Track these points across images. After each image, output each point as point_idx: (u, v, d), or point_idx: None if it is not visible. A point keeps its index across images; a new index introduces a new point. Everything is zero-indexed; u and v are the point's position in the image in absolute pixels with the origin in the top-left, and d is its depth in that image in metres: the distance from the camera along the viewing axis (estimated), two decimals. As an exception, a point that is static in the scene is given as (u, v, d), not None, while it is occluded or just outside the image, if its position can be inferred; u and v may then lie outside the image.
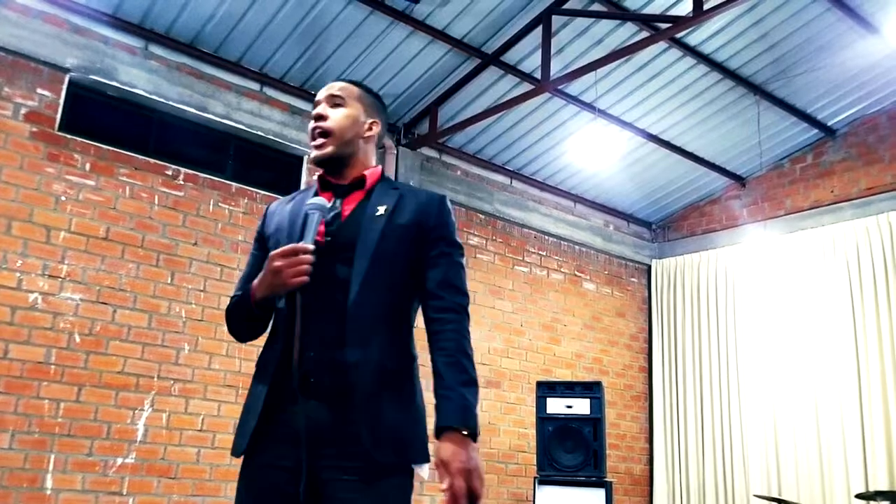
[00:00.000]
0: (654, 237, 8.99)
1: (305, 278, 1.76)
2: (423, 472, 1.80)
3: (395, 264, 1.88)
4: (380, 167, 2.07)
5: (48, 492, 4.77)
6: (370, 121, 2.02)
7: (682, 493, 7.88)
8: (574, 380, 7.24)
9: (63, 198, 5.14)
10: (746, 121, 7.33)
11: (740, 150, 7.87)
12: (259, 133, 6.12)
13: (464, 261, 1.95)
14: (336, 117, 1.98)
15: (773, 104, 7.20)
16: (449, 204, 1.99)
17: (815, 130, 7.66)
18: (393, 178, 6.68)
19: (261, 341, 2.03)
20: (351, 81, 2.07)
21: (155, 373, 5.28)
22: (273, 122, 6.20)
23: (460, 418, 1.73)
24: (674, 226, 8.90)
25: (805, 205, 7.79)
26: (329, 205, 1.89)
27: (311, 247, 1.78)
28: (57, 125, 5.23)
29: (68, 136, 5.26)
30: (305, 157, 6.41)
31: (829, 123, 7.63)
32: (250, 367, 6.23)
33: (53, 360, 4.92)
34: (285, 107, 6.30)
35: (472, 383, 1.79)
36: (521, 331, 7.53)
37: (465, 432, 1.72)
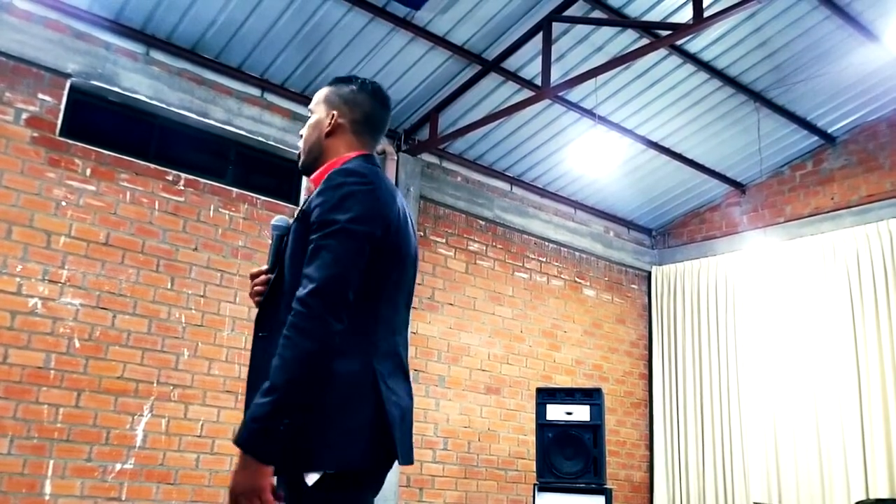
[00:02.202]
0: (655, 244, 8.99)
1: (258, 298, 1.90)
2: (309, 479, 1.64)
3: (296, 267, 1.74)
4: (339, 158, 1.91)
5: (46, 497, 4.75)
6: (331, 114, 1.94)
7: (682, 499, 7.86)
8: (574, 386, 7.23)
9: (64, 203, 5.14)
10: (746, 128, 7.34)
11: (740, 157, 7.88)
12: (260, 139, 6.13)
13: (334, 239, 1.67)
14: (304, 131, 2.00)
15: (773, 111, 7.21)
16: (338, 177, 1.76)
17: (815, 137, 7.67)
18: (393, 182, 6.69)
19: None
20: (328, 85, 2.04)
21: (154, 378, 5.27)
22: (274, 128, 6.21)
23: (238, 435, 1.60)
24: (674, 232, 8.90)
25: (805, 212, 7.79)
26: (290, 222, 1.91)
27: (263, 268, 1.93)
28: (58, 130, 5.23)
29: (69, 142, 5.26)
30: (306, 163, 6.41)
31: (829, 131, 7.64)
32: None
33: (53, 365, 4.91)
34: (286, 113, 6.31)
35: (273, 391, 1.56)
36: (521, 337, 7.53)
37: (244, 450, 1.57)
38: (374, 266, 1.72)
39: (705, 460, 7.77)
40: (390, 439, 1.71)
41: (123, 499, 5.01)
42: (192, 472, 5.35)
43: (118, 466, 5.04)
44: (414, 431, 6.17)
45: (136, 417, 5.17)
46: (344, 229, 1.67)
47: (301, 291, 1.63)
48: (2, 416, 4.68)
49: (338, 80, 2.02)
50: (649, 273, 8.78)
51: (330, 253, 1.64)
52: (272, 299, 1.82)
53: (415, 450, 6.97)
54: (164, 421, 5.28)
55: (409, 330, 5.47)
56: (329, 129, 1.92)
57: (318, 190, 1.78)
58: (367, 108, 1.95)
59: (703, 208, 8.65)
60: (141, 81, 5.56)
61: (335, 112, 1.93)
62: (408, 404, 1.82)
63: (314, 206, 1.74)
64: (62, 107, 5.28)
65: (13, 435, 4.66)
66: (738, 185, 8.31)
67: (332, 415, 1.64)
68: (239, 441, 1.58)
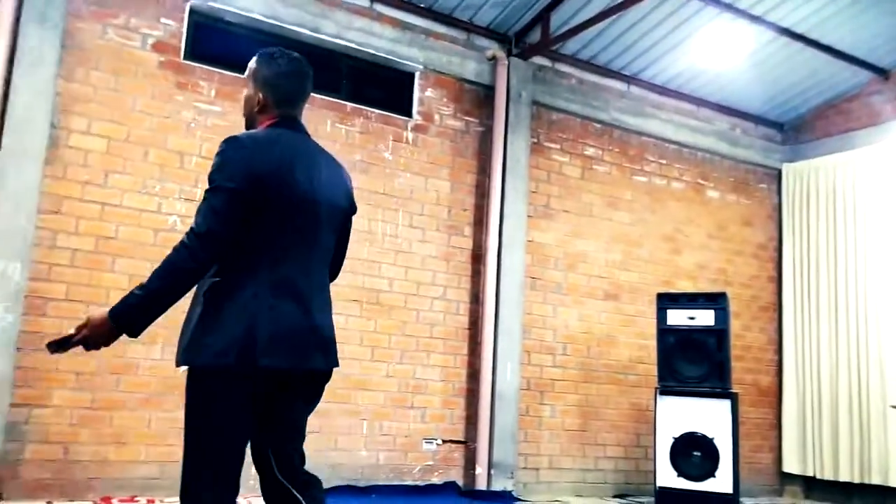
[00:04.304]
0: (785, 139, 8.46)
1: None
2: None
3: None
4: (259, 126, 2.40)
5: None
6: (258, 95, 2.40)
7: (813, 404, 7.65)
8: (697, 291, 7.07)
9: (192, 124, 5.40)
10: (891, 7, 6.64)
11: (883, 40, 7.17)
12: (371, 51, 6.14)
13: (210, 193, 2.16)
14: (242, 101, 2.52)
15: (926, -15, 6.49)
16: (221, 145, 2.23)
17: (976, 12, 6.86)
18: (504, 91, 6.58)
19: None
20: (255, 61, 2.45)
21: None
22: (384, 40, 6.20)
23: (113, 308, 2.13)
24: (807, 126, 8.32)
25: (960, 97, 7.07)
26: None
27: None
28: (182, 54, 5.45)
29: (193, 65, 5.47)
30: (417, 74, 6.40)
31: None
32: (375, 283, 6.42)
33: (194, 278, 5.27)
34: (396, 23, 6.27)
35: (141, 287, 2.11)
36: (640, 242, 7.38)
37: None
38: (254, 214, 2.16)
39: (839, 364, 7.48)
40: (253, 346, 2.11)
41: (265, 399, 5.41)
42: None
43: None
44: (532, 337, 6.22)
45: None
46: (217, 187, 2.16)
47: (189, 229, 2.14)
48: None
49: (263, 59, 2.42)
50: (779, 171, 8.31)
51: (205, 204, 2.15)
52: None
53: (533, 354, 7.12)
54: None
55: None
56: (258, 107, 2.40)
57: None
58: (285, 87, 2.41)
59: (840, 99, 8.01)
60: (255, 0, 5.65)
61: (261, 94, 2.39)
62: (295, 321, 2.22)
63: None
64: (184, 30, 5.47)
65: (163, 342, 5.07)
66: (881, 72, 7.61)
67: (213, 326, 2.12)
68: (111, 311, 2.11)
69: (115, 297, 2.15)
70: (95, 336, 2.12)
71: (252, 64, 2.44)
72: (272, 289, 2.18)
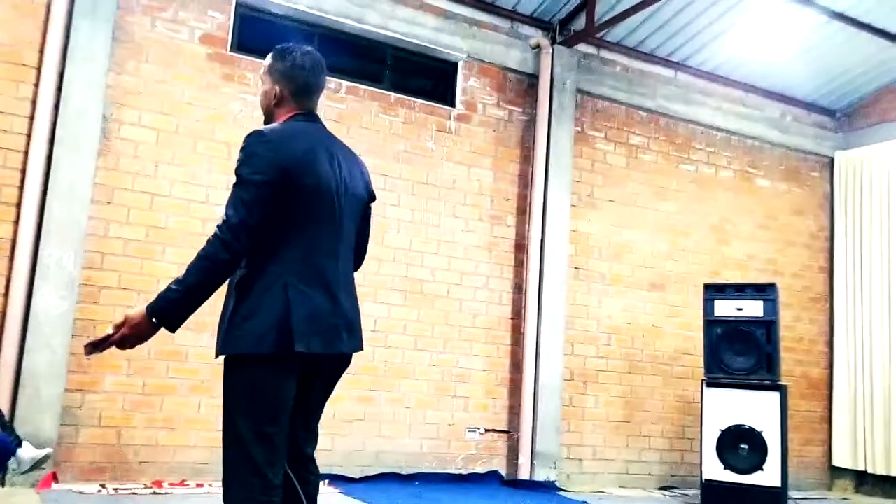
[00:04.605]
0: (839, 126, 8.22)
1: None
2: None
3: None
4: (278, 120, 2.45)
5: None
6: (275, 88, 2.45)
7: (864, 397, 7.46)
8: (745, 282, 6.93)
9: (239, 116, 5.48)
10: (955, -13, 6.40)
11: (946, 22, 6.92)
12: (415, 40, 6.14)
13: (239, 187, 2.20)
14: (259, 96, 2.54)
15: None
16: (246, 140, 2.27)
17: None
18: (548, 79, 6.52)
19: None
20: (271, 56, 2.50)
21: (330, 278, 5.62)
22: (427, 29, 6.19)
23: (150, 305, 2.18)
24: (862, 113, 8.08)
25: None
26: None
27: None
28: (228, 46, 5.52)
29: (240, 56, 5.55)
30: (461, 63, 6.38)
31: None
32: (418, 273, 6.46)
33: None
34: (440, 12, 6.26)
35: (177, 281, 2.17)
36: (687, 232, 7.26)
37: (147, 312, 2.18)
38: (281, 205, 2.23)
39: (892, 356, 7.27)
40: (289, 333, 2.17)
41: (310, 387, 5.48)
42: (369, 363, 5.74)
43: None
44: (576, 327, 6.19)
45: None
46: (245, 180, 2.20)
47: (220, 220, 2.19)
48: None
49: (278, 54, 2.48)
50: (832, 159, 8.09)
51: (234, 196, 2.20)
52: None
53: (576, 345, 7.06)
54: (340, 317, 5.66)
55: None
56: (275, 100, 2.47)
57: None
58: (301, 79, 2.47)
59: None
60: (299, -8, 5.70)
61: (278, 87, 2.45)
62: (324, 308, 2.28)
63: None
64: (231, 22, 5.55)
65: (212, 330, 5.15)
66: (942, 55, 7.34)
67: (248, 315, 2.20)
68: (149, 308, 2.16)
69: (165, 286, 2.19)
70: (134, 333, 2.16)
71: (268, 60, 2.50)
72: (302, 277, 2.24)
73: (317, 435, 2.47)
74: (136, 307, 2.22)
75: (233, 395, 2.23)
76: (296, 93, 2.46)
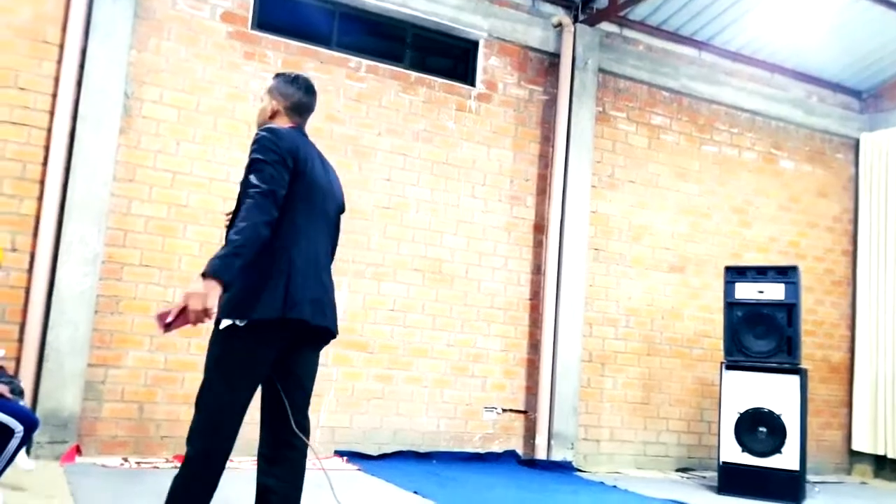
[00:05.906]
0: (865, 108, 8.08)
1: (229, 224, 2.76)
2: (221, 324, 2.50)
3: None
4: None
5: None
6: (272, 104, 2.83)
7: (886, 381, 7.39)
8: (767, 264, 6.87)
9: (260, 94, 5.46)
10: None
11: (979, 1, 6.75)
12: (435, 19, 6.10)
13: (259, 167, 2.50)
14: (257, 112, 2.91)
15: None
16: (258, 133, 2.59)
17: None
18: (570, 58, 6.45)
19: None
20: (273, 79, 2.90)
21: (350, 258, 5.65)
22: (448, 7, 6.14)
23: (206, 266, 2.38)
24: (889, 94, 7.93)
25: None
26: None
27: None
28: (249, 24, 5.51)
29: (260, 35, 5.54)
30: (481, 42, 6.33)
31: None
32: (437, 253, 6.44)
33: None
34: (460, -10, 6.20)
35: (224, 247, 2.40)
36: (709, 214, 7.20)
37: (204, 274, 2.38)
38: (290, 186, 2.55)
39: (916, 342, 7.20)
40: (291, 303, 2.49)
41: (329, 364, 5.53)
42: (388, 342, 5.77)
43: (322, 336, 5.54)
44: (595, 308, 6.17)
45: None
46: (263, 160, 2.51)
47: (249, 189, 2.48)
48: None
49: (279, 78, 2.91)
50: (857, 141, 7.96)
51: (256, 173, 2.49)
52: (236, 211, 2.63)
53: (595, 326, 7.04)
54: (360, 297, 5.69)
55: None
56: (271, 113, 2.83)
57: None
58: (295, 98, 2.84)
59: (927, 64, 7.60)
60: (319, -31, 5.67)
61: (274, 102, 2.83)
62: (317, 289, 2.61)
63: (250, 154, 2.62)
64: (252, 1, 5.53)
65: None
66: (975, 35, 7.17)
67: (256, 288, 2.49)
68: (207, 269, 2.35)
69: (187, 263, 2.26)
70: (197, 299, 2.32)
71: (270, 82, 2.90)
72: (301, 259, 2.57)
73: (308, 401, 2.76)
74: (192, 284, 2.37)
75: (222, 358, 2.53)
76: (289, 108, 2.82)
